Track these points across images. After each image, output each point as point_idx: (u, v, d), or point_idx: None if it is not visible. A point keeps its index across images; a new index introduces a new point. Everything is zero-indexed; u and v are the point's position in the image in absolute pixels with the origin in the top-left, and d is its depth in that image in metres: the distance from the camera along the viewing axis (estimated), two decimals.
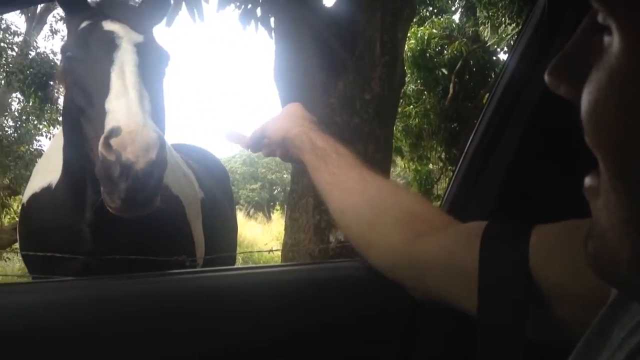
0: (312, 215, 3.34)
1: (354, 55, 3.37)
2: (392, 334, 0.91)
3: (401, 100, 7.87)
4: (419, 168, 10.14)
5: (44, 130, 9.27)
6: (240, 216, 9.97)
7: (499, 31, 8.23)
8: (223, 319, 0.83)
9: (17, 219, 3.49)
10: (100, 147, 1.21)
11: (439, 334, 0.94)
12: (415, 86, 9.69)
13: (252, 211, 15.04)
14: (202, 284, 0.90)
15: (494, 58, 9.64)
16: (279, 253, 3.94)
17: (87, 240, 1.61)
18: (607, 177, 0.32)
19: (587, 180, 0.35)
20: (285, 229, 3.64)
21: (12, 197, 7.86)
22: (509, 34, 7.89)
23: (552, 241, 0.64)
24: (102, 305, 0.79)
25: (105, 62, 1.34)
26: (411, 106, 9.57)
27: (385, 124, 3.54)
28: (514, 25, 7.67)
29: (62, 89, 1.60)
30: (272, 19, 3.85)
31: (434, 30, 9.27)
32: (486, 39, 8.80)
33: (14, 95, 9.49)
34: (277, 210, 15.16)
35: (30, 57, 8.62)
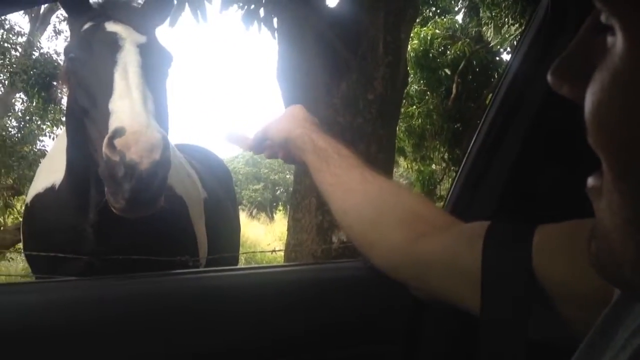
0: (314, 215, 3.34)
1: (357, 55, 3.37)
2: (395, 334, 0.91)
3: (404, 101, 7.86)
4: (422, 168, 10.13)
5: (47, 130, 9.27)
6: (243, 216, 9.96)
7: (502, 31, 8.21)
8: (226, 319, 0.83)
9: (20, 219, 3.50)
10: (104, 148, 1.21)
11: (442, 334, 0.94)
12: (418, 86, 9.69)
13: (254, 211, 15.02)
14: (205, 284, 0.89)
15: (497, 58, 9.63)
16: (282, 253, 3.95)
17: (90, 241, 1.61)
18: (610, 178, 0.32)
19: (591, 181, 0.35)
20: (288, 229, 3.64)
21: (16, 197, 7.87)
22: (512, 35, 7.87)
23: (555, 241, 0.64)
24: (105, 305, 0.79)
25: (108, 63, 1.34)
26: (414, 106, 9.56)
27: (388, 124, 3.54)
28: (517, 25, 7.65)
29: (66, 89, 1.60)
30: (275, 20, 3.85)
31: (437, 31, 9.26)
32: (489, 39, 8.78)
33: (17, 95, 9.50)
34: (279, 210, 15.17)
35: (33, 57, 8.62)
